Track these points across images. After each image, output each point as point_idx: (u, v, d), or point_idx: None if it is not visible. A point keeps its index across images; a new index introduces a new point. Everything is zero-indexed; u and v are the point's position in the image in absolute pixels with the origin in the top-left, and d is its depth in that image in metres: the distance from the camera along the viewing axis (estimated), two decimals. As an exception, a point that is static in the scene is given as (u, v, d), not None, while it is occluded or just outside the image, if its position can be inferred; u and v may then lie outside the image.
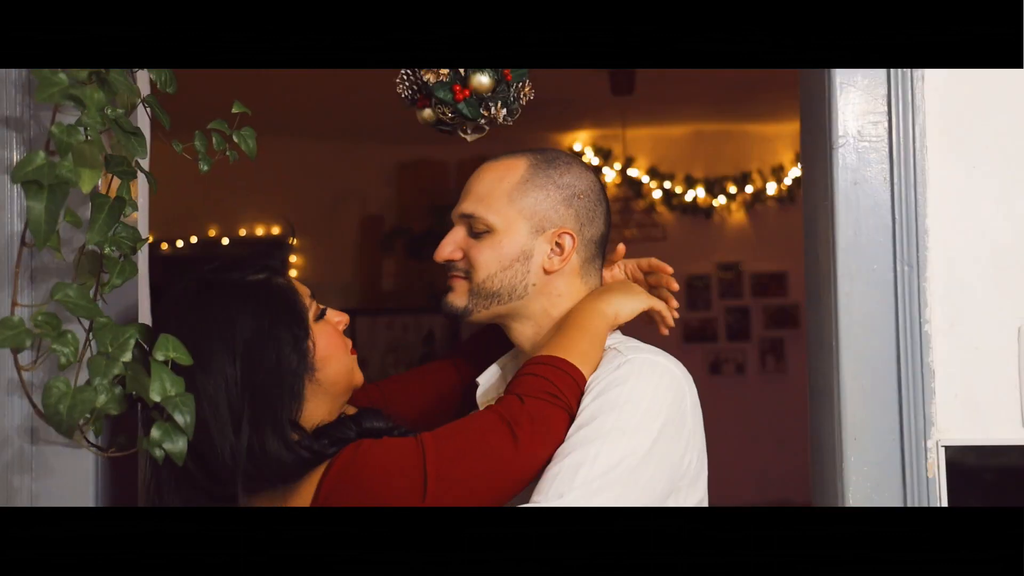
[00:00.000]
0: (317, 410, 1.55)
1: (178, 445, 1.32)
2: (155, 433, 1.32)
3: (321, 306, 1.58)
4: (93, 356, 1.35)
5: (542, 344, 1.60)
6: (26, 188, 1.30)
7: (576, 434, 1.45)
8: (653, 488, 1.45)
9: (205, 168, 1.53)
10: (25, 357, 1.39)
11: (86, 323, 1.43)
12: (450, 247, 1.63)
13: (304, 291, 1.57)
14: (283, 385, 1.48)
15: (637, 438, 1.44)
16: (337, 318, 1.61)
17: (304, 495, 1.45)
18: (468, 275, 1.62)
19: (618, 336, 1.64)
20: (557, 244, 1.60)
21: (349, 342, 1.62)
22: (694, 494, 1.55)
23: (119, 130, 1.39)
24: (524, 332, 1.64)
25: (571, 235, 1.60)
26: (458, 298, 1.63)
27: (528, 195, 1.60)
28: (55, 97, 1.33)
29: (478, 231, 1.60)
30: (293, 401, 1.50)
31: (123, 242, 1.43)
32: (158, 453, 1.32)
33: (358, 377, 1.62)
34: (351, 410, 1.64)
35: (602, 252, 1.67)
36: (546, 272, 1.60)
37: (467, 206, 1.62)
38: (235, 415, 1.45)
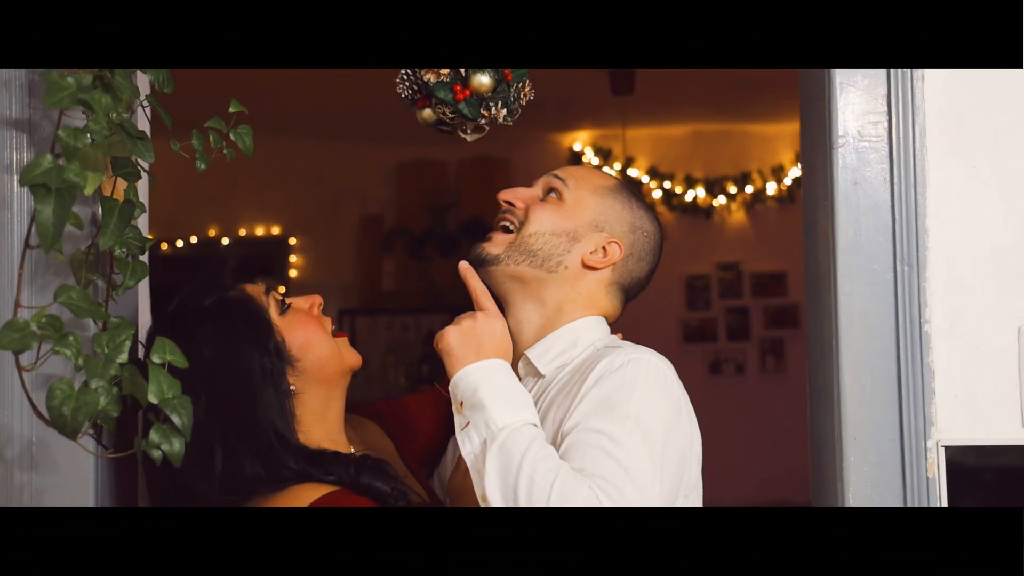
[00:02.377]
0: (315, 398, 1.57)
1: (175, 447, 1.33)
2: (153, 435, 1.32)
3: (285, 299, 1.61)
4: (89, 358, 1.35)
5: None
6: (34, 191, 1.31)
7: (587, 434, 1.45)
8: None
9: (203, 166, 1.53)
10: (25, 359, 1.39)
11: (89, 325, 1.43)
12: (520, 194, 1.70)
13: (257, 291, 1.59)
14: (257, 397, 1.50)
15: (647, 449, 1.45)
16: (307, 303, 1.63)
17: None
18: (517, 229, 1.66)
19: (616, 339, 1.65)
20: (604, 248, 1.65)
21: (327, 321, 1.63)
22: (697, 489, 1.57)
23: (124, 134, 1.39)
24: (530, 317, 1.65)
25: (620, 246, 1.65)
26: (495, 247, 1.66)
27: (607, 198, 1.68)
28: (64, 102, 1.34)
29: (552, 191, 1.68)
30: (283, 401, 1.52)
31: (132, 243, 1.45)
32: (156, 454, 1.32)
33: (351, 358, 1.63)
34: (368, 419, 1.65)
35: (629, 296, 1.71)
36: (583, 264, 1.64)
37: (561, 171, 1.70)
38: (206, 444, 1.47)
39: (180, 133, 1.54)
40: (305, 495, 1.47)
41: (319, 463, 1.51)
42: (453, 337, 1.55)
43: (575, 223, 1.65)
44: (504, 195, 1.69)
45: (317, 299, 1.64)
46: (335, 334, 1.63)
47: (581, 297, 1.65)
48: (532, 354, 1.63)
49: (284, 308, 1.60)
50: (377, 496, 1.51)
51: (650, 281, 1.73)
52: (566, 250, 1.64)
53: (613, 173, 1.78)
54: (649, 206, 1.74)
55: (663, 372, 1.52)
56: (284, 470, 1.49)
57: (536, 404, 1.58)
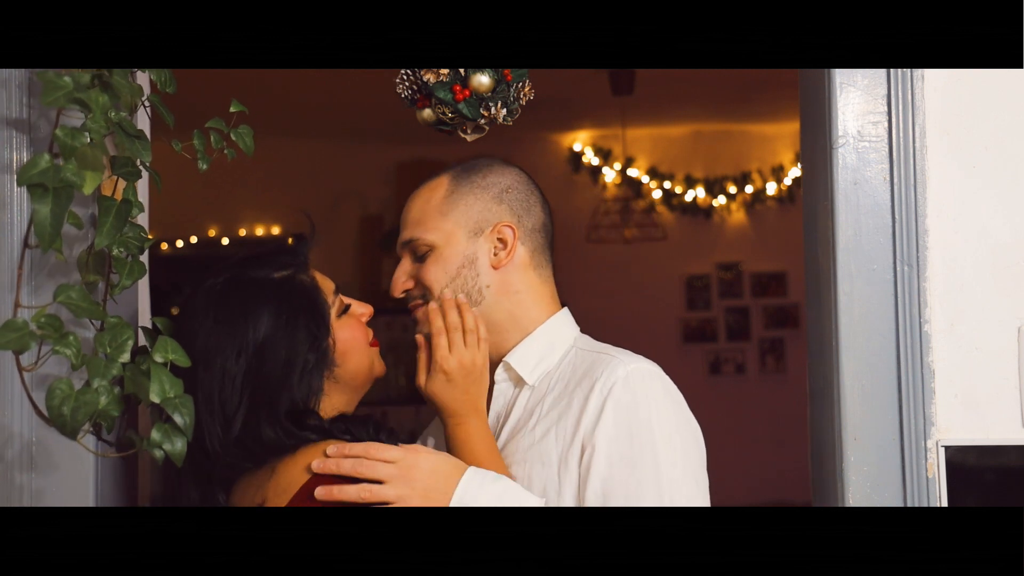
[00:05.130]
0: (338, 402, 1.59)
1: (177, 446, 1.33)
2: (155, 434, 1.33)
3: (347, 301, 1.62)
4: (91, 357, 1.35)
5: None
6: (31, 191, 1.31)
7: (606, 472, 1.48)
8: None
9: (204, 167, 1.54)
10: (26, 358, 1.39)
11: (91, 324, 1.43)
12: (402, 278, 1.66)
13: (328, 287, 1.60)
14: (287, 382, 1.51)
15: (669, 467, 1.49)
16: (361, 310, 1.65)
17: (288, 481, 1.48)
18: (425, 299, 1.64)
19: (590, 340, 1.66)
20: (499, 240, 1.62)
21: (370, 332, 1.65)
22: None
23: (122, 133, 1.39)
24: (498, 343, 1.64)
25: (510, 227, 1.63)
26: (425, 325, 1.64)
27: (457, 204, 1.63)
28: (60, 101, 1.34)
29: (421, 253, 1.64)
30: (308, 396, 1.53)
31: (131, 243, 1.45)
32: (157, 454, 1.32)
33: (379, 367, 1.66)
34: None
35: (549, 243, 1.68)
36: (495, 268, 1.62)
37: (406, 234, 1.66)
38: (227, 411, 1.48)
39: (180, 133, 1.54)
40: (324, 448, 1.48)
41: (339, 422, 1.54)
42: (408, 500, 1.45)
43: (459, 252, 1.62)
44: (395, 292, 1.66)
45: (370, 309, 1.66)
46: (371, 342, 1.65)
47: (521, 296, 1.64)
48: (513, 359, 1.63)
49: (343, 311, 1.61)
50: None
51: (550, 210, 1.69)
52: (474, 275, 1.61)
53: (445, 173, 1.67)
54: (486, 160, 1.68)
55: (664, 380, 1.55)
56: (302, 441, 1.49)
57: (531, 417, 1.58)
